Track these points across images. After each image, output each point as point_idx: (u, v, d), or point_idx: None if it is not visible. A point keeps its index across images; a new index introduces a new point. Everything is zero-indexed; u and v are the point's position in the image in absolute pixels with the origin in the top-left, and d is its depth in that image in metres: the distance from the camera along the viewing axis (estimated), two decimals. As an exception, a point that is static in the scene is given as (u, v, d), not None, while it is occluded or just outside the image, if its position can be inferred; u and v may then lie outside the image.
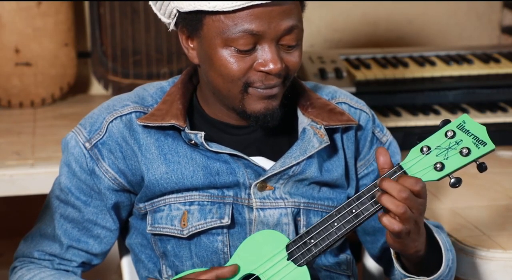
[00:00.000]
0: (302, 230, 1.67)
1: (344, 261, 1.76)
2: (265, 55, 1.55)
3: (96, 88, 3.10)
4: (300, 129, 1.70)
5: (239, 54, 1.54)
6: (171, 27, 1.66)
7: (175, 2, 1.57)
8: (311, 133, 1.66)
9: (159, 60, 2.96)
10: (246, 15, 1.52)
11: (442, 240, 1.62)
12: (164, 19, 1.65)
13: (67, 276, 1.70)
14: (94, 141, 1.67)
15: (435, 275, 1.58)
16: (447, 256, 1.61)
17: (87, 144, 1.67)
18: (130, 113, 1.68)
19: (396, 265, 1.60)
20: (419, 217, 1.50)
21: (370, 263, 1.99)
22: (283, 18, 1.53)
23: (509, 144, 2.52)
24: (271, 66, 1.54)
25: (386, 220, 1.46)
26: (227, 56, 1.55)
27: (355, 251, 1.89)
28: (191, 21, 1.58)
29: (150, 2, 1.65)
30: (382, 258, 1.85)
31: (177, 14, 1.61)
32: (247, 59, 1.55)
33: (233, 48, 1.54)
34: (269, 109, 1.59)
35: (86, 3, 3.04)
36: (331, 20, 3.20)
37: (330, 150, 1.72)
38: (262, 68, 1.55)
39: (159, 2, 1.62)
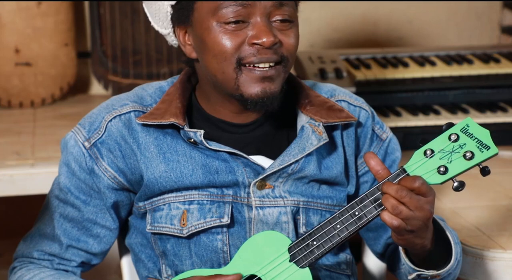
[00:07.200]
0: (302, 228, 1.68)
1: (344, 260, 1.77)
2: (256, 28, 1.57)
3: (96, 88, 3.10)
4: (299, 127, 1.70)
5: (231, 29, 1.57)
6: (172, 39, 1.71)
7: (165, 2, 1.63)
8: (309, 130, 1.66)
9: (159, 60, 2.96)
10: None
11: (450, 233, 1.62)
12: (165, 31, 1.70)
13: (66, 276, 1.70)
14: (93, 140, 1.67)
15: (445, 269, 1.59)
16: (456, 249, 1.62)
17: (86, 143, 1.67)
18: (129, 112, 1.68)
19: (406, 260, 1.60)
20: (425, 217, 1.48)
21: (370, 263, 1.99)
22: None
23: (509, 144, 2.52)
24: (264, 38, 1.56)
25: (386, 215, 1.47)
26: (219, 33, 1.57)
27: (355, 251, 1.89)
28: (183, 11, 1.62)
29: (152, 22, 1.70)
30: (385, 254, 1.85)
31: (171, 13, 1.64)
32: (240, 34, 1.57)
33: (224, 23, 1.57)
34: (266, 92, 1.59)
35: (86, 3, 3.03)
36: (331, 20, 3.20)
37: (330, 148, 1.72)
38: (254, 41, 1.57)
39: (157, 17, 1.67)
